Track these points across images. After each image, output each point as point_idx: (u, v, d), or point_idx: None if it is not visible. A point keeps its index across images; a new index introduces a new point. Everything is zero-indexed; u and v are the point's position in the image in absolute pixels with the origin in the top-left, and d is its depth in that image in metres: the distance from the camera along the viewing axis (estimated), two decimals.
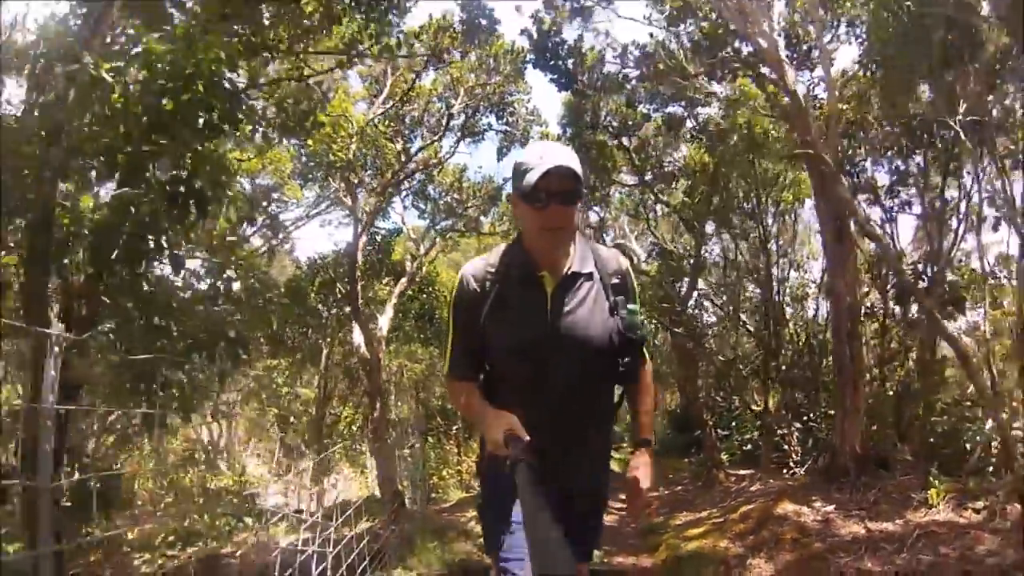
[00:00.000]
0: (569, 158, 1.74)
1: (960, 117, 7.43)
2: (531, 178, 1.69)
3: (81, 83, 3.66)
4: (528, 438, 1.57)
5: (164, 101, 3.72)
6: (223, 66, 3.91)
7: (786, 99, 9.41)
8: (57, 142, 3.82)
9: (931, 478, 6.62)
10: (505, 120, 12.10)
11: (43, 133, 3.81)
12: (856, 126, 9.63)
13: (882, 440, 8.78)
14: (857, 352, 8.51)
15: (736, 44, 10.70)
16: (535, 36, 11.42)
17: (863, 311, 9.79)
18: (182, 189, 3.95)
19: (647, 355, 2.02)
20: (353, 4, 6.48)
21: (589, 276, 1.86)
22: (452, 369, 1.92)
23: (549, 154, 1.73)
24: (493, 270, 1.85)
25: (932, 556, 5.29)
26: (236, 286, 5.52)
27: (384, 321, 10.33)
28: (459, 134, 12.01)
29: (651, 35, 11.86)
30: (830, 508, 7.07)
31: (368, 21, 6.71)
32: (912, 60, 7.44)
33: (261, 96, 6.40)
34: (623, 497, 1.92)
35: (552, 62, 11.59)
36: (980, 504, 6.13)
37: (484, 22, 9.42)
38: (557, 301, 1.80)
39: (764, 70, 9.99)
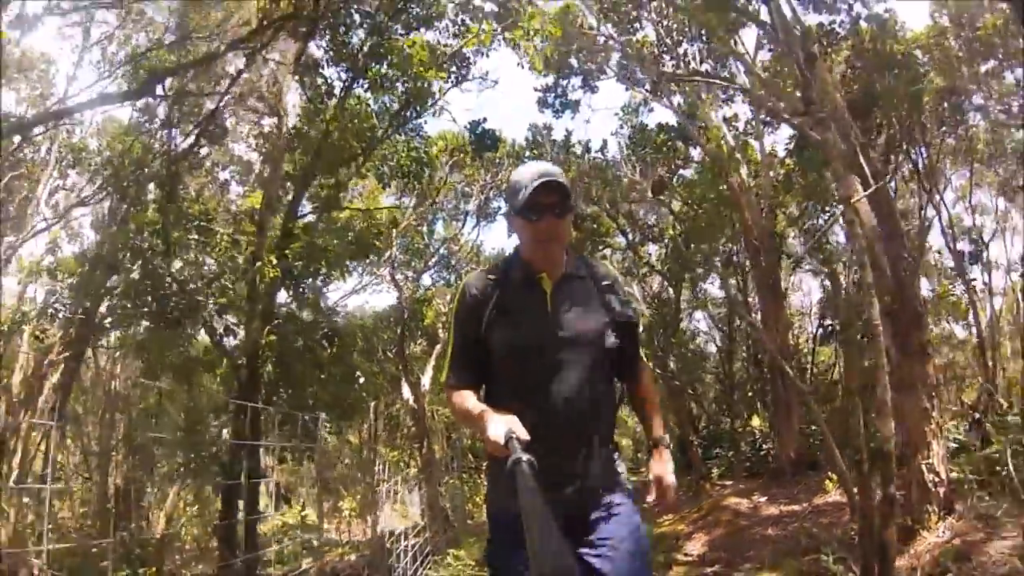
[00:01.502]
0: (557, 174, 1.91)
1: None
2: (524, 194, 1.85)
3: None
4: (528, 438, 1.62)
5: None
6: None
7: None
8: None
9: (831, 472, 9.48)
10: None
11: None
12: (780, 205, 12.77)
13: (813, 448, 11.58)
14: (789, 383, 11.37)
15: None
16: (531, 137, 14.85)
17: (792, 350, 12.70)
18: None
19: (644, 357, 2.16)
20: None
21: (583, 278, 2.00)
22: (452, 375, 1.99)
23: (539, 172, 1.89)
24: (494, 277, 1.98)
25: (812, 525, 8.12)
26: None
27: (426, 379, 13.46)
28: (475, 218, 15.38)
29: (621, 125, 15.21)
30: (763, 499, 9.95)
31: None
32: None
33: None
34: (649, 499, 2.00)
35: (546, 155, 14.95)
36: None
37: (488, 141, 12.62)
38: (556, 299, 1.93)
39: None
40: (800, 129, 7.66)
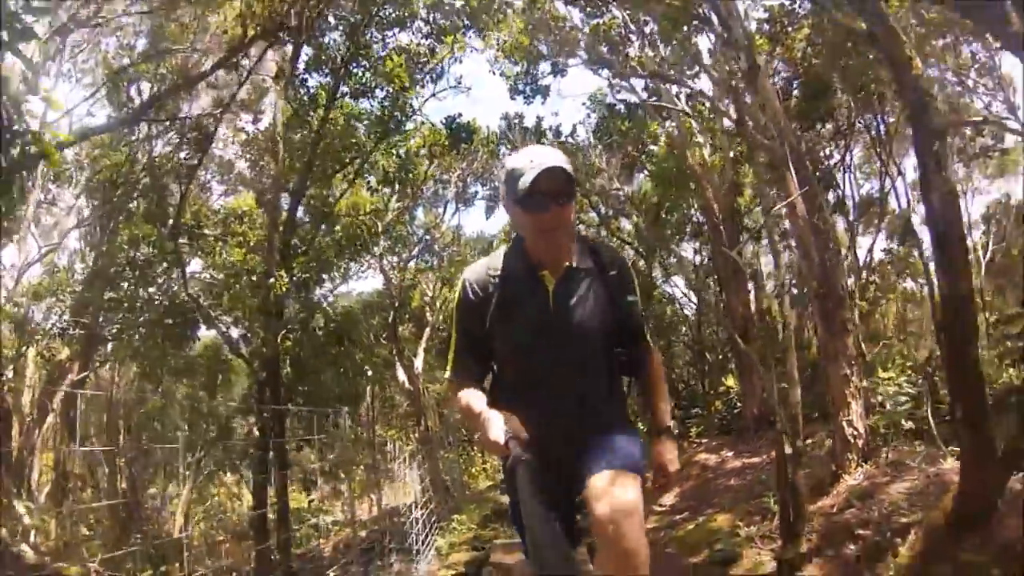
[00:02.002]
0: (559, 159, 1.84)
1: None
2: (524, 183, 1.79)
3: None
4: (527, 437, 1.64)
5: None
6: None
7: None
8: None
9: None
10: (488, 188, 16.43)
11: None
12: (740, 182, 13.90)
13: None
14: (754, 347, 12.65)
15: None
16: (504, 125, 15.80)
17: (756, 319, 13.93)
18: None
19: (652, 344, 2.12)
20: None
21: (588, 271, 1.95)
22: (454, 372, 2.01)
23: (539, 157, 1.84)
24: (495, 272, 1.95)
25: (764, 474, 9.44)
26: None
27: (419, 361, 14.61)
28: (455, 204, 16.41)
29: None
30: (729, 453, 11.30)
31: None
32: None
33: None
34: (650, 483, 2.00)
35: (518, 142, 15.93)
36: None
37: (463, 134, 13.53)
38: (558, 296, 1.90)
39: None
40: (746, 133, 8.69)
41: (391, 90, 10.78)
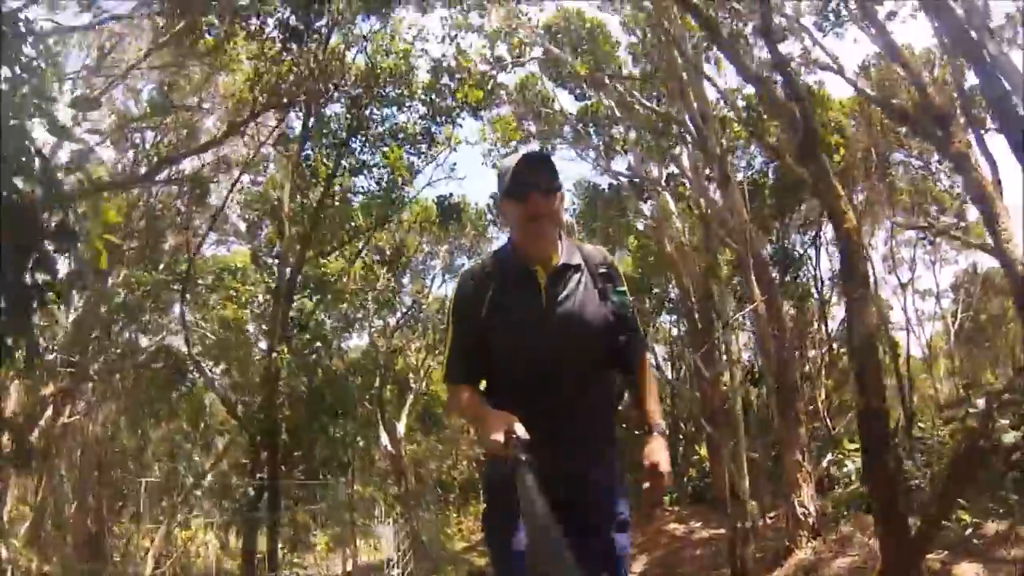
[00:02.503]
0: (543, 153, 2.23)
1: None
2: (510, 173, 1.90)
3: None
4: (528, 437, 1.64)
5: None
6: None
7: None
8: None
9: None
10: (475, 259, 17.55)
11: None
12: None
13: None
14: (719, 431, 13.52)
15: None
16: (493, 202, 16.90)
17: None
18: None
19: (644, 343, 2.19)
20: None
21: (577, 267, 2.00)
22: (450, 373, 2.03)
23: (524, 154, 1.97)
24: (488, 271, 1.99)
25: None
26: None
27: (400, 426, 15.21)
28: (442, 274, 17.38)
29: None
30: (698, 524, 12.00)
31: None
32: None
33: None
34: (643, 486, 1.97)
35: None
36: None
37: (454, 214, 14.55)
38: (551, 291, 1.94)
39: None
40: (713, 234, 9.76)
41: (389, 174, 11.71)
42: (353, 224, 11.77)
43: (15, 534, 11.95)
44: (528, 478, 1.46)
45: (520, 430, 1.65)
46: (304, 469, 9.20)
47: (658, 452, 1.96)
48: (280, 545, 9.24)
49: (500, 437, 1.65)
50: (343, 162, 12.99)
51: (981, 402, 7.29)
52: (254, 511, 8.41)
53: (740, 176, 16.00)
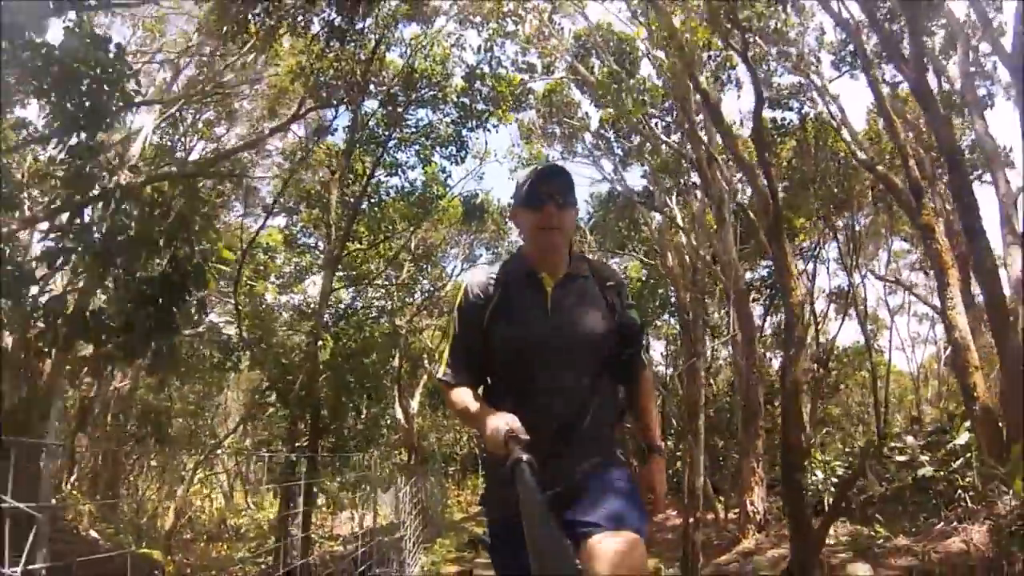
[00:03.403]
0: (561, 167, 2.08)
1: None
2: (527, 183, 2.00)
3: None
4: (527, 437, 1.67)
5: None
6: None
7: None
8: None
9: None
10: (492, 252, 19.21)
11: None
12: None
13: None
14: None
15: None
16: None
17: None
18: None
19: (646, 360, 2.24)
20: None
21: (586, 279, 2.08)
22: (450, 373, 2.07)
23: (543, 166, 2.07)
24: (495, 276, 2.06)
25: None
26: None
27: (415, 403, 17.08)
28: (460, 264, 19.17)
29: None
30: (673, 512, 13.87)
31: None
32: None
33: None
34: None
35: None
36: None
37: (478, 212, 16.25)
38: (557, 299, 2.01)
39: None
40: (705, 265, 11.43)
41: (423, 178, 13.35)
42: (388, 225, 13.44)
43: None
44: (528, 478, 1.47)
45: (520, 430, 1.69)
46: (334, 442, 11.01)
47: (656, 474, 2.09)
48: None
49: (500, 437, 1.69)
50: (380, 160, 14.64)
51: (910, 439, 9.10)
52: (292, 477, 10.25)
53: (747, 197, 17.72)
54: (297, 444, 10.39)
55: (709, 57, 16.33)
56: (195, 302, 6.30)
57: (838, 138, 15.94)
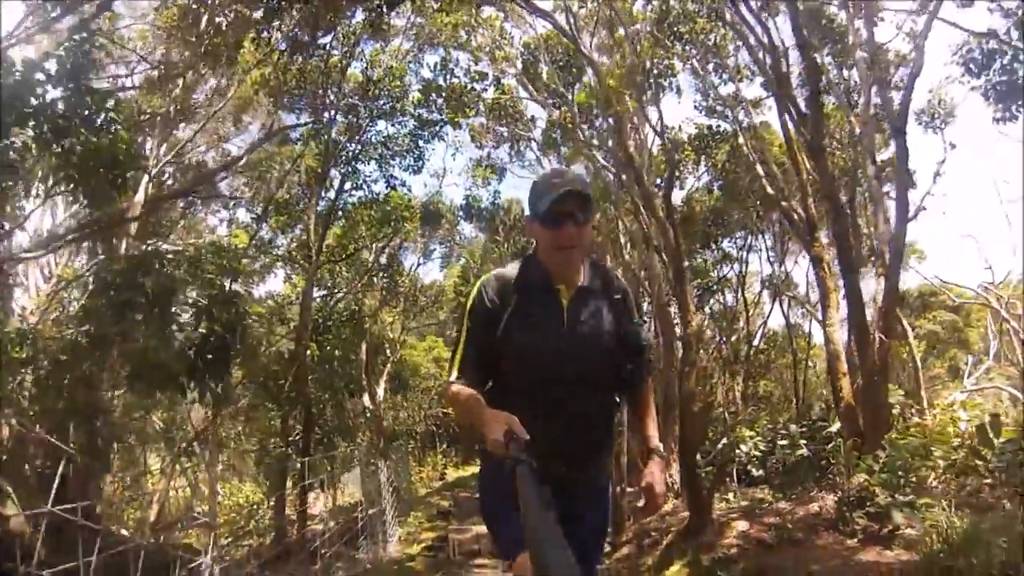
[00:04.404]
0: (580, 183, 2.17)
1: None
2: (545, 202, 2.08)
3: None
4: (528, 438, 1.75)
5: None
6: None
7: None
8: None
9: None
10: (445, 246, 21.47)
11: None
12: None
13: None
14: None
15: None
16: (466, 202, 20.76)
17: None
18: None
19: (651, 370, 2.45)
20: None
21: (598, 291, 2.24)
22: (458, 373, 2.17)
23: (561, 179, 2.14)
24: (512, 282, 2.19)
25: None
26: None
27: (380, 390, 19.30)
28: (416, 260, 21.32)
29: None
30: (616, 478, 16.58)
31: None
32: None
33: None
34: (639, 504, 2.30)
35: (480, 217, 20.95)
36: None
37: (433, 218, 18.36)
38: (572, 311, 2.17)
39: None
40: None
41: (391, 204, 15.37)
42: (358, 237, 15.48)
43: None
44: (528, 478, 1.53)
45: (520, 430, 1.77)
46: (319, 434, 13.25)
47: (656, 474, 2.26)
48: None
49: (500, 437, 1.77)
50: (347, 175, 16.44)
51: (793, 427, 11.75)
52: (286, 465, 12.46)
53: (693, 185, 20.23)
54: (290, 438, 12.57)
55: (652, 65, 18.56)
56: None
57: (770, 145, 18.29)
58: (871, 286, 14.26)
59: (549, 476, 1.68)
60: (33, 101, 7.20)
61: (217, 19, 12.56)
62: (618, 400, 2.34)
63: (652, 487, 2.27)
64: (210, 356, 7.56)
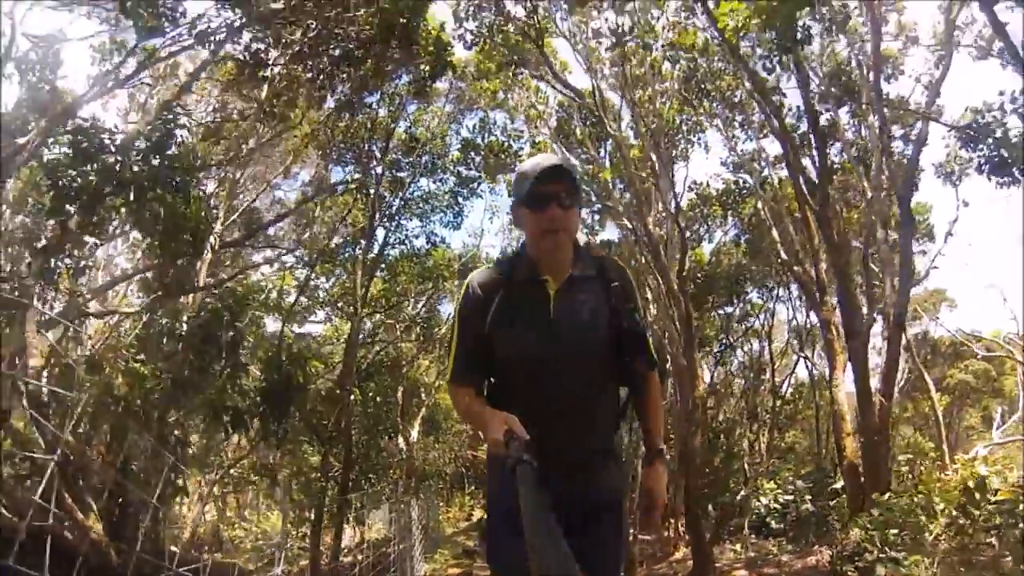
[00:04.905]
0: (565, 163, 2.12)
1: None
2: (528, 183, 2.05)
3: None
4: (528, 437, 1.76)
5: None
6: None
7: None
8: None
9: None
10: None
11: None
12: None
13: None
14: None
15: None
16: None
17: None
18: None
19: (653, 364, 2.27)
20: None
21: (590, 279, 2.16)
22: (454, 374, 2.22)
23: (545, 161, 2.09)
24: (498, 277, 2.16)
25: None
26: None
27: (414, 432, 20.61)
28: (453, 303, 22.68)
29: None
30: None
31: None
32: None
33: None
34: (637, 508, 2.20)
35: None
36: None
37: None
38: (560, 302, 2.11)
39: None
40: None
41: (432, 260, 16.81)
42: (401, 290, 16.96)
43: None
44: (528, 478, 1.55)
45: (520, 430, 1.80)
46: (358, 472, 14.55)
47: (657, 480, 2.24)
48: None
49: (500, 437, 1.81)
50: (391, 231, 17.94)
51: (799, 483, 12.69)
52: (323, 499, 13.75)
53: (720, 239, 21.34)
54: (330, 474, 13.89)
55: (682, 122, 19.84)
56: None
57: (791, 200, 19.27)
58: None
59: (549, 490, 1.67)
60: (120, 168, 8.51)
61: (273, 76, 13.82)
62: (621, 398, 2.29)
63: (652, 491, 2.25)
64: (272, 399, 8.88)
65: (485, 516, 2.70)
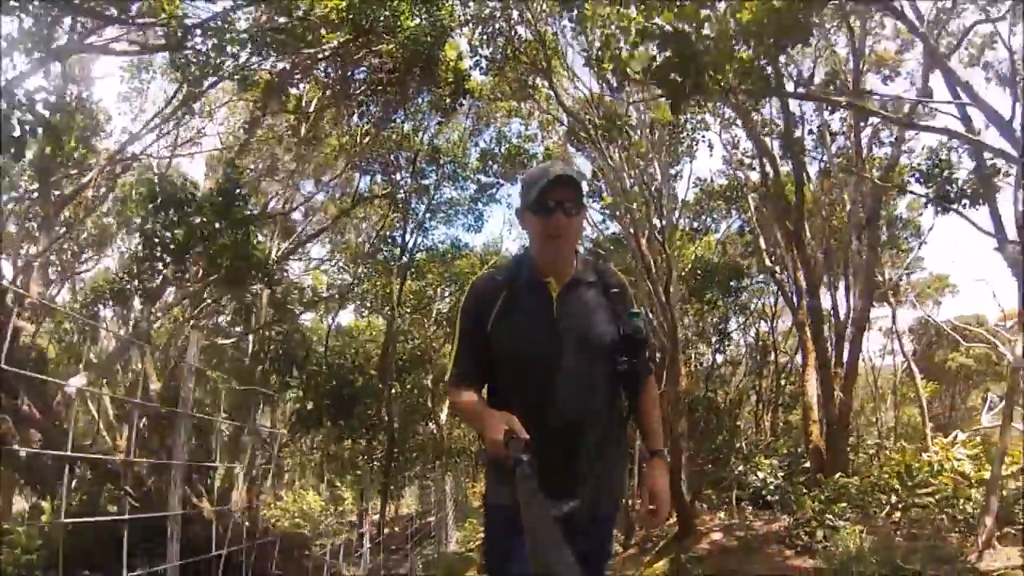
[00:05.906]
0: (572, 171, 2.19)
1: None
2: (537, 189, 2.14)
3: None
4: (527, 437, 1.82)
5: None
6: None
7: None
8: None
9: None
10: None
11: None
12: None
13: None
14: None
15: None
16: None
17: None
18: None
19: (649, 367, 2.42)
20: None
21: (591, 284, 2.27)
22: (455, 374, 2.29)
23: (553, 168, 2.18)
24: (500, 279, 2.27)
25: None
26: None
27: (443, 415, 23.61)
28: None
29: None
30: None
31: None
32: None
33: None
34: (640, 510, 2.29)
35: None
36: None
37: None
38: (562, 304, 2.21)
39: None
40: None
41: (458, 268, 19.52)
42: (429, 291, 19.80)
43: None
44: (528, 478, 1.58)
45: (519, 430, 1.87)
46: (397, 455, 17.59)
47: (660, 481, 2.28)
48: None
49: (500, 438, 1.87)
50: (415, 232, 20.64)
51: (775, 460, 15.43)
52: (369, 478, 16.74)
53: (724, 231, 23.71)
54: (374, 456, 16.91)
55: (686, 120, 22.04)
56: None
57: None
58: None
59: (548, 482, 1.67)
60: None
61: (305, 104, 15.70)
62: (622, 401, 2.35)
63: (656, 493, 2.28)
64: (339, 401, 11.73)
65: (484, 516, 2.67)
